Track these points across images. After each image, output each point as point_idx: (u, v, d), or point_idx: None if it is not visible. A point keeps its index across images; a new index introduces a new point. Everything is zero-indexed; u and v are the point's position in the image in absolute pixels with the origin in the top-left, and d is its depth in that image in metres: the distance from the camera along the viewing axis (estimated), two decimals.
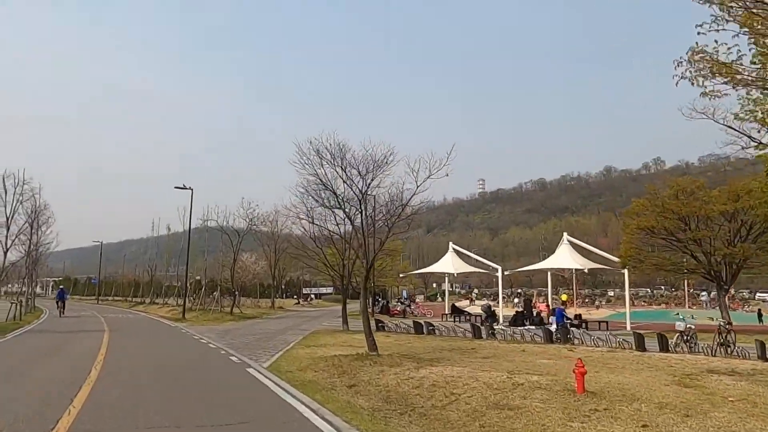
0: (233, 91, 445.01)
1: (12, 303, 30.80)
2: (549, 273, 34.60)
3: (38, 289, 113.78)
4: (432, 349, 15.85)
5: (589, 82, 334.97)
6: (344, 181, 16.58)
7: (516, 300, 51.56)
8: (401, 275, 44.79)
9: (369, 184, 16.81)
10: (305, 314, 41.76)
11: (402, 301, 46.48)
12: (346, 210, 17.91)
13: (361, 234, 17.03)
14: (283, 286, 76.97)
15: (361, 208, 17.09)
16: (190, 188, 32.78)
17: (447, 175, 14.98)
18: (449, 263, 31.70)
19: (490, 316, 28.41)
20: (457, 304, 38.85)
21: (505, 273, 52.33)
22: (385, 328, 23.13)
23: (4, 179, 31.34)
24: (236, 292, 37.94)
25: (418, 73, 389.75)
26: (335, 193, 17.53)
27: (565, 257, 30.51)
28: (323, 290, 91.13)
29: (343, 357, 13.31)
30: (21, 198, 32.69)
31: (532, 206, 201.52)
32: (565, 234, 32.79)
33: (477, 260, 34.57)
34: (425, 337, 20.22)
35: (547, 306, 43.17)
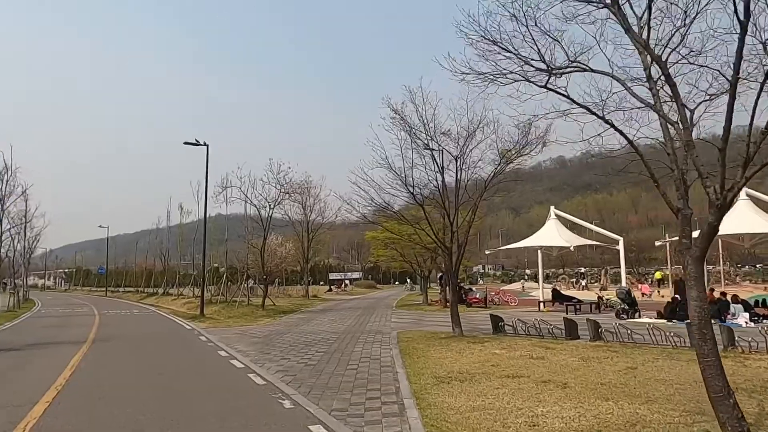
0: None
1: (11, 293, 30.32)
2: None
3: (49, 282, 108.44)
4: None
5: None
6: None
7: (583, 282, 43.38)
8: (487, 252, 36.63)
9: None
10: (350, 305, 33.88)
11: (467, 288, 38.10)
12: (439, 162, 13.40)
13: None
14: (308, 272, 69.56)
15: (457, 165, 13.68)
16: (204, 144, 24.92)
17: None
18: (555, 235, 23.69)
19: (630, 304, 20.25)
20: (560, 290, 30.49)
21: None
22: (504, 328, 15.12)
23: None
24: (267, 280, 30.17)
25: None
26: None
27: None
28: (352, 275, 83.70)
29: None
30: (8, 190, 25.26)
31: (554, 185, 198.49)
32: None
33: (594, 231, 26.36)
34: (577, 346, 12.11)
35: (653, 287, 34.85)
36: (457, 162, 13.21)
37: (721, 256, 31.69)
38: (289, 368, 10.27)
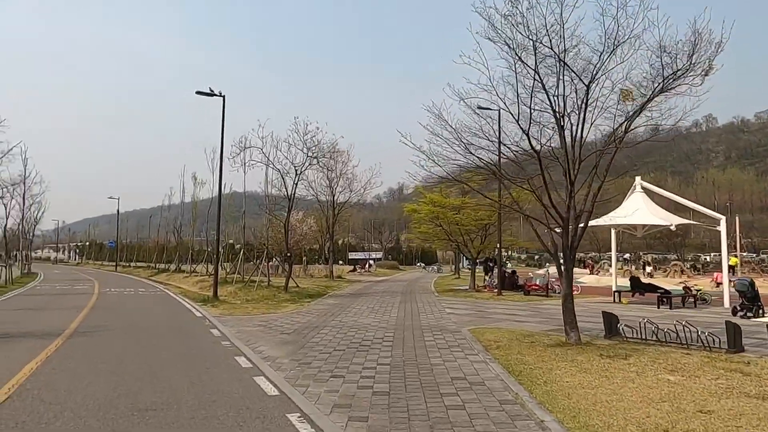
0: None
1: (2, 267, 28.41)
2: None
3: (61, 255, 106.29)
4: None
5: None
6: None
7: (648, 269, 38.93)
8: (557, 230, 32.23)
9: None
10: (381, 288, 29.98)
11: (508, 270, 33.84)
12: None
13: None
14: (327, 251, 65.84)
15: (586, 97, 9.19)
16: (220, 94, 20.87)
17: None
18: (645, 212, 19.40)
19: (752, 299, 16.02)
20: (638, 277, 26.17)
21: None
22: (623, 331, 11.04)
23: None
24: (291, 259, 26.29)
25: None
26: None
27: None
28: (372, 255, 79.84)
29: None
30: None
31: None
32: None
33: (693, 209, 21.98)
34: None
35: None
36: (587, 92, 8.98)
37: None
38: (352, 401, 6.32)
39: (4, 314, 15.87)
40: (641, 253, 73.01)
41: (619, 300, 20.90)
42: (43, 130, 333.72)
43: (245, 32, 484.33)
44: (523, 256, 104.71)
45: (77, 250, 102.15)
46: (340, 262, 73.41)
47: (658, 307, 18.52)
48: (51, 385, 6.92)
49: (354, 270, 53.88)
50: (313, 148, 23.20)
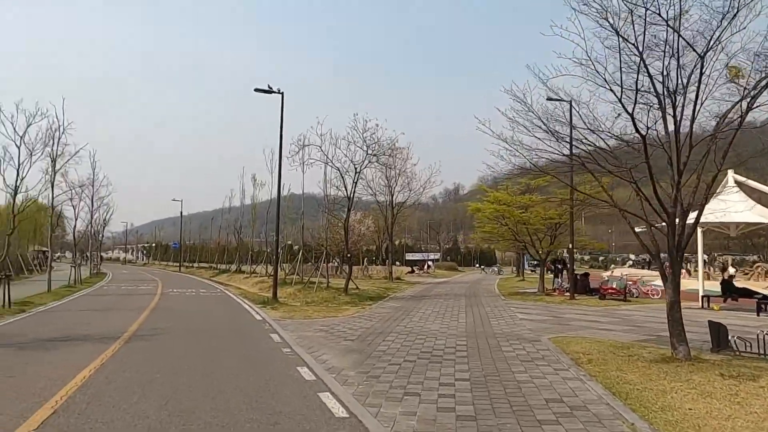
0: None
1: (71, 267, 29.93)
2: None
3: (130, 255, 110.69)
4: None
5: None
6: None
7: (733, 271, 35.83)
8: (638, 229, 30.33)
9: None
10: (443, 290, 28.87)
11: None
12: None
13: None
14: (392, 252, 65.00)
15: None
16: (279, 91, 20.40)
17: None
18: (742, 208, 17.32)
19: None
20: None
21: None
22: (735, 344, 9.58)
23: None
24: (351, 260, 25.60)
25: None
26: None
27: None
28: (430, 256, 78.54)
29: None
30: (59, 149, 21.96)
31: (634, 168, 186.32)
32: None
33: None
34: None
35: None
36: (701, 64, 7.65)
37: None
38: (434, 427, 5.37)
39: (69, 315, 15.86)
40: (716, 254, 68.32)
41: (709, 306, 18.97)
42: (118, 138, 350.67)
43: (307, 36, 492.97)
44: (586, 257, 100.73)
45: (144, 251, 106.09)
46: (397, 263, 72.66)
47: (758, 314, 16.57)
48: (100, 399, 6.31)
49: (412, 271, 52.91)
50: (373, 145, 22.38)
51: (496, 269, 66.41)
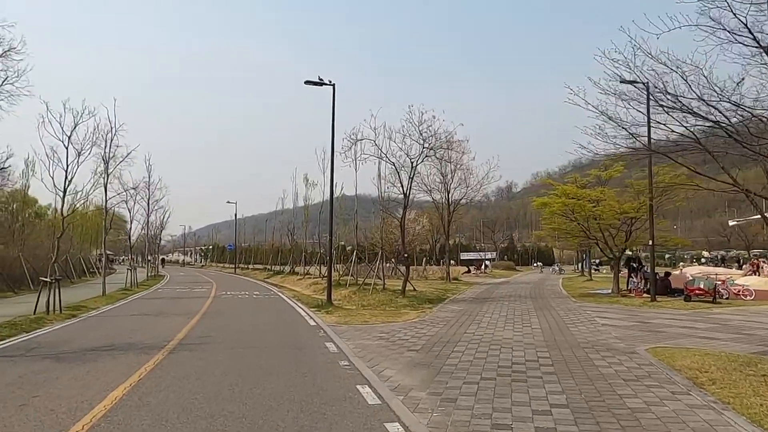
0: None
1: (128, 269, 29.87)
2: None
3: (188, 258, 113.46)
4: None
5: None
6: None
7: None
8: (731, 223, 27.99)
9: None
10: (505, 292, 27.18)
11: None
12: None
13: None
14: (438, 251, 63.48)
15: None
16: (330, 83, 19.39)
17: None
18: None
19: None
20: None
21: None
22: None
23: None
24: (409, 260, 24.31)
25: None
26: None
27: None
28: (486, 255, 76.23)
29: None
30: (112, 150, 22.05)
31: (694, 161, 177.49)
32: None
33: None
34: None
35: None
36: None
37: None
38: None
39: (117, 321, 15.31)
40: None
41: None
42: (187, 148, 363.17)
43: (348, 37, 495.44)
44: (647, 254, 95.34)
45: (202, 253, 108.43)
46: (452, 262, 70.83)
47: None
48: (128, 428, 5.29)
49: (468, 271, 51.15)
50: (430, 138, 21.04)
51: (556, 268, 63.63)
